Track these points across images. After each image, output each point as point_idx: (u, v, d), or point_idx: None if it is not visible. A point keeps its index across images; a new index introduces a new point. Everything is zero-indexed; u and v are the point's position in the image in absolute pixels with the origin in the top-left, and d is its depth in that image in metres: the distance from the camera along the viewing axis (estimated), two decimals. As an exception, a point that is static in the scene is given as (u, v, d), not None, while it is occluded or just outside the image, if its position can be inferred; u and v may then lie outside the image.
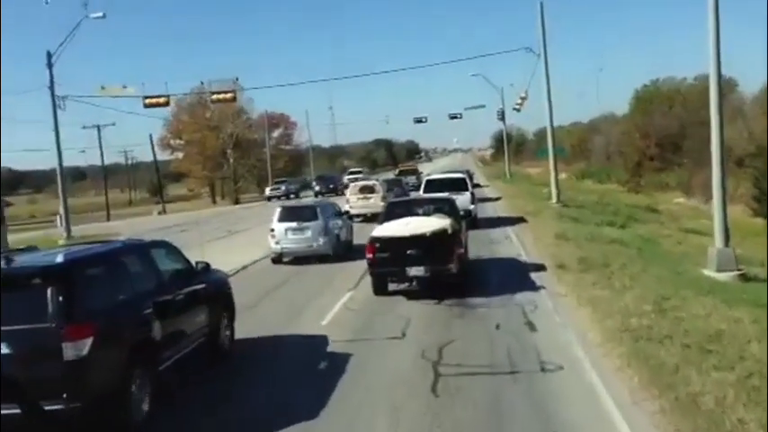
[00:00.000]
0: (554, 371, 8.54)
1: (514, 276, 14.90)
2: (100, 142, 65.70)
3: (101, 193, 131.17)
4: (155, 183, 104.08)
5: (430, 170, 55.92)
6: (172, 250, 9.50)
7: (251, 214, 43.73)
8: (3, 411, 6.32)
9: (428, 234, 13.29)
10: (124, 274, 7.91)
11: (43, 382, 6.43)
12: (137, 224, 44.71)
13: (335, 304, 13.37)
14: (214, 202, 77.25)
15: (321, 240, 19.01)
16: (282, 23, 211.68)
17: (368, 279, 14.24)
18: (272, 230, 19.39)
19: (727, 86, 71.18)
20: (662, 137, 47.68)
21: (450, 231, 13.48)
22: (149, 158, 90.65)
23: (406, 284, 13.86)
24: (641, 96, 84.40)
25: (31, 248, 8.70)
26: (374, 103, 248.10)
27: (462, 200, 22.24)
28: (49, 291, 6.58)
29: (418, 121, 64.12)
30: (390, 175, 61.36)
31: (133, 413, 7.14)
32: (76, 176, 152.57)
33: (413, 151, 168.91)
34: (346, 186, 53.96)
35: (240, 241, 26.22)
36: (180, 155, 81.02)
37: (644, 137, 48.13)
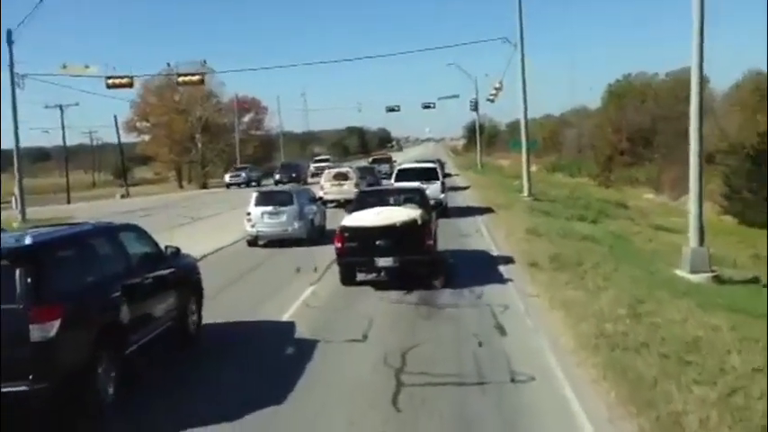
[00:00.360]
0: (525, 382, 7.94)
1: (484, 273, 14.31)
2: (62, 122, 64.18)
3: (65, 174, 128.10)
4: (120, 165, 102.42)
5: (402, 159, 55.51)
6: (141, 234, 9.43)
7: (216, 200, 42.67)
8: None
9: (398, 224, 13.07)
10: (93, 257, 7.82)
11: (10, 363, 6.32)
12: (97, 207, 43.38)
13: (296, 299, 12.68)
14: (181, 186, 75.65)
15: (296, 225, 19.55)
16: (256, 7, 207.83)
17: (332, 269, 13.75)
18: (249, 214, 19.85)
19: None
20: (633, 131, 47.62)
21: (420, 222, 13.25)
22: (115, 140, 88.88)
23: (374, 275, 13.68)
24: (614, 91, 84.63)
25: None
26: (347, 90, 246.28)
27: (433, 189, 22.68)
28: (17, 272, 6.51)
29: (391, 109, 63.48)
30: (362, 162, 61.07)
31: (100, 395, 7.10)
32: (40, 157, 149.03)
33: (385, 140, 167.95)
34: (313, 175, 53.34)
35: (203, 228, 25.39)
36: (147, 138, 79.24)
37: (616, 131, 48.01)
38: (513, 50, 32.54)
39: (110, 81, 32.57)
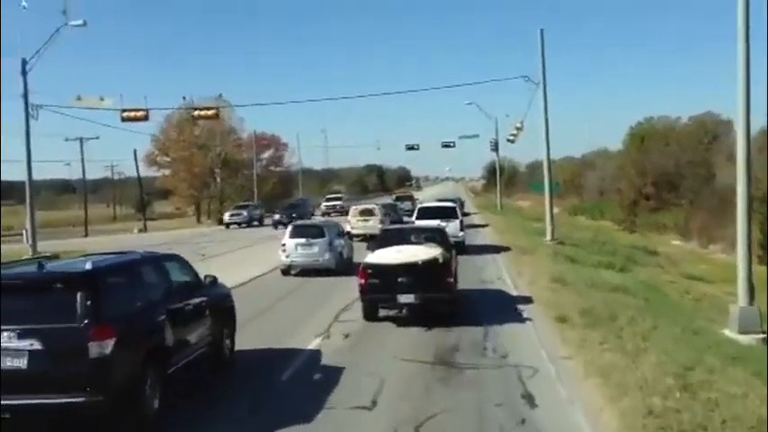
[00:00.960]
0: (563, 475, 6.56)
1: (509, 328, 12.92)
2: (82, 155, 63.40)
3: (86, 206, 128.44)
4: (140, 199, 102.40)
5: (421, 198, 57.23)
6: (183, 263, 10.17)
7: (231, 236, 41.69)
8: (31, 401, 6.89)
9: (419, 262, 13.32)
10: (142, 283, 8.51)
11: (69, 376, 6.92)
12: (112, 241, 42.49)
13: (297, 360, 11.39)
14: (199, 221, 74.97)
15: (326, 256, 21.23)
16: (276, 43, 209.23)
17: (344, 322, 13.69)
18: (284, 245, 21.62)
19: (723, 127, 70.55)
20: (658, 175, 46.14)
21: (441, 260, 13.48)
22: (134, 173, 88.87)
23: (396, 311, 13.83)
24: (636, 133, 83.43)
25: (55, 257, 9.90)
26: (366, 128, 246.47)
27: (452, 227, 23.51)
28: (78, 295, 7.12)
29: (410, 148, 62.59)
30: (382, 200, 61.20)
31: (146, 409, 7.67)
32: (64, 189, 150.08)
33: (404, 178, 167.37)
34: (324, 214, 53.15)
35: (211, 268, 24.25)
36: (167, 172, 79.02)
37: (640, 174, 46.54)
38: (535, 89, 31.55)
39: (124, 114, 31.93)
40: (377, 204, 36.75)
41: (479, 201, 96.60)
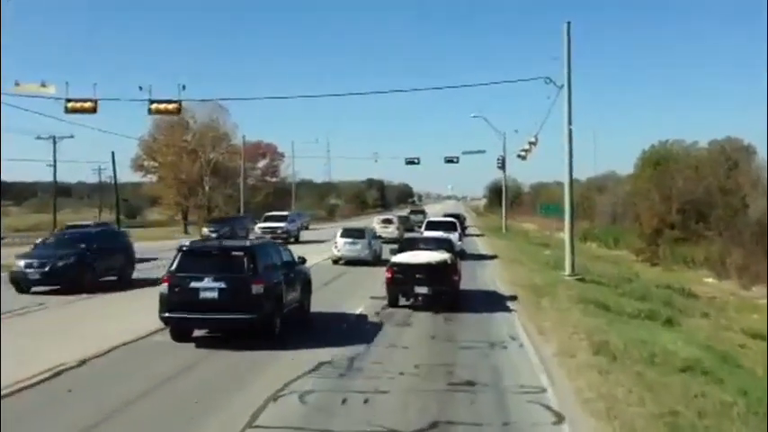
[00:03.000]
0: None
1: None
2: (54, 156, 57.45)
3: (79, 210, 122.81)
4: (132, 205, 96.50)
5: (430, 213, 64.30)
6: (287, 250, 15.84)
7: None
8: (218, 317, 12.26)
9: (433, 263, 17.09)
10: (271, 257, 13.88)
11: (240, 303, 12.14)
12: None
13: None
14: (186, 231, 69.02)
15: (366, 251, 28.34)
16: (274, 49, 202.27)
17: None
18: (336, 243, 29.06)
19: (744, 153, 64.68)
20: (685, 202, 40.18)
21: (449, 263, 17.33)
22: (129, 178, 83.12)
23: (412, 300, 16.98)
24: (648, 157, 77.66)
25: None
26: (369, 140, 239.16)
27: (453, 237, 26.90)
28: (245, 259, 12.66)
29: (410, 162, 56.91)
30: (377, 217, 58.70)
31: (274, 328, 12.83)
32: (60, 192, 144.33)
33: (405, 194, 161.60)
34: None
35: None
36: (155, 178, 73.31)
37: (664, 200, 40.61)
38: (556, 95, 25.83)
39: (69, 105, 26.16)
40: (393, 216, 48.78)
41: (482, 222, 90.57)
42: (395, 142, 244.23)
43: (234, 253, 13.06)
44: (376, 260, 27.71)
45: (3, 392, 8.94)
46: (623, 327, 15.26)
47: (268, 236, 37.51)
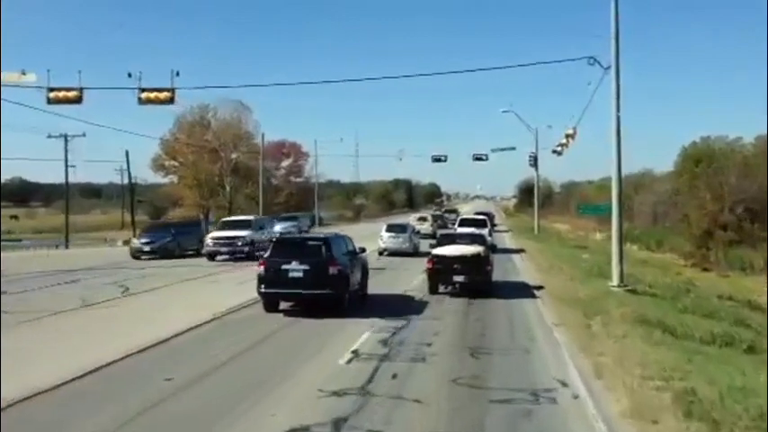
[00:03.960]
0: None
1: None
2: (66, 154, 55.02)
3: (108, 211, 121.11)
4: (156, 206, 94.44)
5: (462, 211, 70.35)
6: (351, 240, 18.62)
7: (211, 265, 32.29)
8: (303, 291, 15.55)
9: (469, 255, 19.10)
10: (342, 246, 17.18)
11: (319, 281, 15.34)
12: (59, 259, 34.00)
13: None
14: (208, 231, 66.48)
15: (407, 244, 32.97)
16: (299, 47, 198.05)
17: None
18: (381, 236, 33.36)
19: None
20: (737, 202, 35.91)
21: (482, 255, 19.42)
22: (151, 179, 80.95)
23: (451, 287, 19.10)
24: (690, 154, 72.89)
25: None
26: (396, 139, 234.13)
27: (484, 232, 29.81)
28: (323, 247, 16.05)
29: (437, 159, 53.22)
30: (413, 215, 61.74)
31: (345, 302, 15.89)
32: (93, 193, 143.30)
33: (433, 195, 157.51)
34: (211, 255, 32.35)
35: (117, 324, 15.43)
36: (175, 178, 70.97)
37: (715, 199, 36.37)
38: (601, 77, 22.17)
39: (51, 95, 23.27)
40: (428, 214, 56.03)
41: (513, 222, 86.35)
42: (422, 141, 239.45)
43: (314, 242, 16.75)
44: (415, 251, 32.35)
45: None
46: (705, 363, 11.56)
47: (223, 250, 30.49)
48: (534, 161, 53.24)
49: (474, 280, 18.48)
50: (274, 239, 18.05)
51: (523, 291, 20.05)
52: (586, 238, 60.11)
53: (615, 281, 20.95)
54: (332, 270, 15.48)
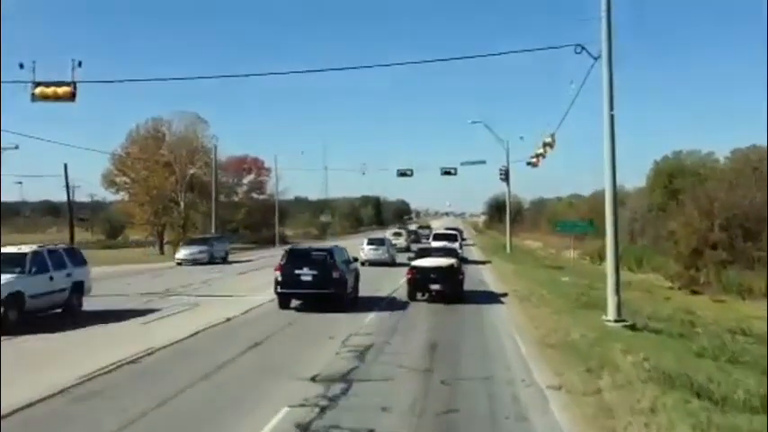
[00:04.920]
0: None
1: None
2: (-3, 168, 49.26)
3: (63, 230, 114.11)
4: (113, 224, 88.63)
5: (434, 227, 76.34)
6: (346, 251, 22.03)
7: (170, 278, 28.30)
8: (311, 291, 19.05)
9: (443, 266, 21.27)
10: (341, 255, 20.46)
11: (325, 283, 18.80)
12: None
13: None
14: (162, 252, 61.28)
15: (386, 255, 37.01)
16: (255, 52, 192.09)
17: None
18: (363, 248, 36.62)
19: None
20: (729, 218, 32.46)
21: (455, 266, 21.61)
22: (109, 196, 75.47)
23: (427, 295, 20.90)
24: (661, 168, 70.21)
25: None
26: (362, 154, 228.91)
27: (455, 245, 34.47)
28: (327, 256, 19.54)
29: (402, 174, 49.36)
30: (389, 231, 65.54)
31: (347, 300, 19.46)
32: (49, 211, 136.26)
33: (402, 211, 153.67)
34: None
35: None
36: (127, 195, 65.63)
37: (705, 215, 32.89)
38: (589, 68, 18.38)
39: (38, 90, 18.44)
40: (403, 230, 61.69)
41: (483, 240, 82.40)
42: (391, 157, 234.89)
43: (321, 253, 20.24)
44: (392, 262, 36.15)
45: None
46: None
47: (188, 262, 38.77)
48: (505, 175, 49.56)
49: (448, 288, 20.68)
50: (287, 251, 21.11)
51: (504, 332, 15.84)
52: (559, 257, 56.50)
53: (611, 314, 16.93)
54: (335, 274, 19.10)
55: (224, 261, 42.01)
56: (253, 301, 20.40)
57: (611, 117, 17.39)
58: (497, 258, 41.80)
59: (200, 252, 39.78)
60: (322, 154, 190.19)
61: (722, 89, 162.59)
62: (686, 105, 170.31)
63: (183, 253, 40.01)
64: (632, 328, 16.68)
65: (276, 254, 51.30)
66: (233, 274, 32.12)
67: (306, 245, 42.67)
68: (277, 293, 19.20)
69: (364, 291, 22.08)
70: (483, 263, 38.93)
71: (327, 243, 46.96)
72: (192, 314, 18.07)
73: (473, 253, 48.73)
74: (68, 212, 53.85)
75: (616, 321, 16.70)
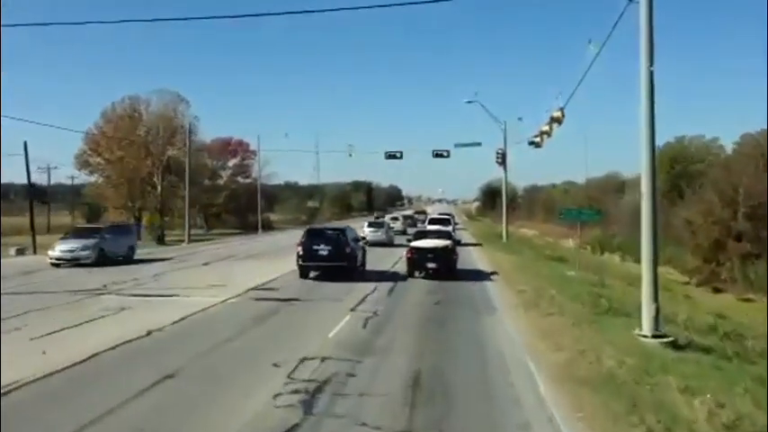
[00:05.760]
0: None
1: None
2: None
3: (42, 213, 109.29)
4: (93, 207, 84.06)
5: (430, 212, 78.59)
6: (354, 230, 25.85)
7: (120, 270, 24.19)
8: (327, 263, 22.20)
9: (439, 247, 23.30)
10: (352, 233, 24.09)
11: (339, 257, 22.03)
12: None
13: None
14: (139, 238, 56.96)
15: (384, 236, 40.53)
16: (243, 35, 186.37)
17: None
18: (364, 230, 38.40)
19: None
20: (755, 206, 28.51)
21: (450, 247, 23.64)
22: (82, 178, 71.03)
23: (424, 273, 22.72)
24: (664, 153, 66.35)
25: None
26: (352, 138, 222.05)
27: (449, 228, 36.92)
28: (339, 234, 23.01)
29: (391, 156, 45.27)
30: (388, 215, 72.18)
31: (358, 270, 23.53)
32: (36, 195, 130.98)
33: (394, 197, 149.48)
34: None
35: None
36: (102, 177, 61.23)
37: (727, 203, 28.94)
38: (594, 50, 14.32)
39: None
40: (400, 215, 66.40)
41: (476, 228, 78.38)
42: (381, 141, 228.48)
43: (335, 231, 23.66)
44: (390, 243, 39.58)
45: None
46: None
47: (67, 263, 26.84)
48: (502, 158, 45.53)
49: (443, 267, 22.58)
50: (306, 230, 24.38)
51: (512, 357, 11.78)
52: (558, 246, 52.67)
53: (647, 327, 13.00)
54: (347, 249, 22.32)
55: (127, 260, 29.67)
56: (199, 304, 16.31)
57: (650, 74, 13.36)
58: (493, 248, 37.86)
59: (84, 249, 27.35)
60: (308, 137, 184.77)
61: (727, 75, 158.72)
62: (688, 91, 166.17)
63: (58, 250, 27.55)
64: (674, 345, 12.75)
65: (254, 243, 47.47)
66: (196, 266, 28.08)
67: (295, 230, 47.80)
68: (298, 265, 22.51)
69: (370, 266, 25.36)
70: (489, 273, 32.50)
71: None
72: (109, 324, 13.72)
73: (471, 254, 42.81)
74: (29, 196, 49.09)
75: (654, 337, 12.79)
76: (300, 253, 22.18)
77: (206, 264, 28.92)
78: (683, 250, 32.40)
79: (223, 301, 16.57)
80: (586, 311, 15.76)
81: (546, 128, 25.91)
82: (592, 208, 31.84)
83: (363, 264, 24.37)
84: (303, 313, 15.41)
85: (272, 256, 31.51)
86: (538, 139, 28.23)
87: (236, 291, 18.62)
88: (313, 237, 22.66)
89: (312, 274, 22.05)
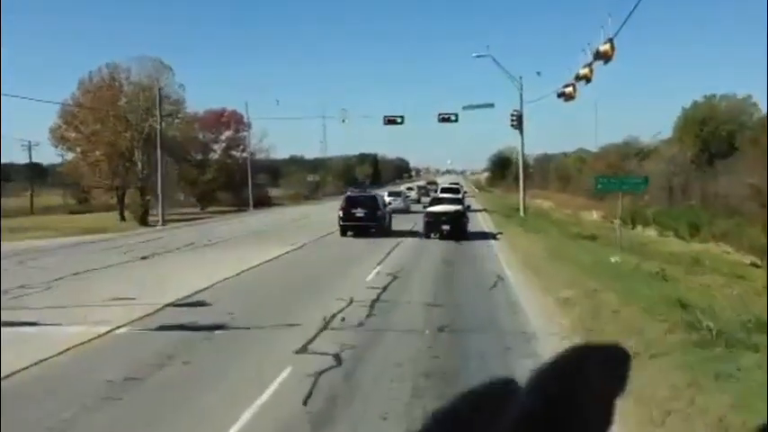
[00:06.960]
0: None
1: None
2: None
3: (40, 193, 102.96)
4: (81, 187, 78.28)
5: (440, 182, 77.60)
6: (381, 196, 33.74)
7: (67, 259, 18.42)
8: (363, 224, 28.29)
9: (452, 211, 27.00)
10: (382, 200, 31.90)
11: (371, 219, 28.14)
12: None
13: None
14: (123, 218, 51.27)
15: (402, 204, 45.31)
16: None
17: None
18: (385, 198, 38.24)
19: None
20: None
21: (461, 210, 27.98)
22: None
23: (438, 234, 25.77)
24: (691, 116, 59.41)
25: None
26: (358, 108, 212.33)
27: (459, 196, 38.38)
28: (373, 199, 30.21)
29: (391, 121, 39.00)
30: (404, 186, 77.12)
31: (387, 228, 29.84)
32: (38, 174, 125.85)
33: (402, 170, 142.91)
34: None
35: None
36: (79, 151, 55.32)
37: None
38: None
39: None
40: (415, 185, 75.63)
41: (487, 199, 71.87)
42: (383, 109, 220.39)
43: (369, 198, 29.88)
44: (407, 210, 44.54)
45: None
46: None
47: None
48: (518, 120, 39.06)
49: (455, 229, 25.93)
50: (346, 197, 30.72)
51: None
52: (579, 220, 46.29)
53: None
54: (379, 213, 28.42)
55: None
56: (59, 341, 9.92)
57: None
58: (510, 226, 31.60)
59: None
60: (311, 109, 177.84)
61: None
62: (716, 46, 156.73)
63: None
64: None
65: (234, 224, 41.48)
66: (132, 261, 21.79)
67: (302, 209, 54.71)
68: (339, 225, 28.04)
69: (394, 228, 30.16)
70: (495, 236, 29.31)
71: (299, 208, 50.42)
72: None
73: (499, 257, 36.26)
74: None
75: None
76: (341, 215, 28.24)
77: (145, 258, 22.51)
78: (741, 222, 26.17)
79: (108, 332, 10.47)
80: (680, 341, 9.56)
81: (585, 70, 19.53)
82: (638, 177, 25.48)
83: (390, 225, 30.17)
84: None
85: (241, 244, 25.76)
86: (569, 89, 21.85)
87: (143, 310, 12.43)
88: (351, 202, 28.82)
89: (348, 233, 27.76)
